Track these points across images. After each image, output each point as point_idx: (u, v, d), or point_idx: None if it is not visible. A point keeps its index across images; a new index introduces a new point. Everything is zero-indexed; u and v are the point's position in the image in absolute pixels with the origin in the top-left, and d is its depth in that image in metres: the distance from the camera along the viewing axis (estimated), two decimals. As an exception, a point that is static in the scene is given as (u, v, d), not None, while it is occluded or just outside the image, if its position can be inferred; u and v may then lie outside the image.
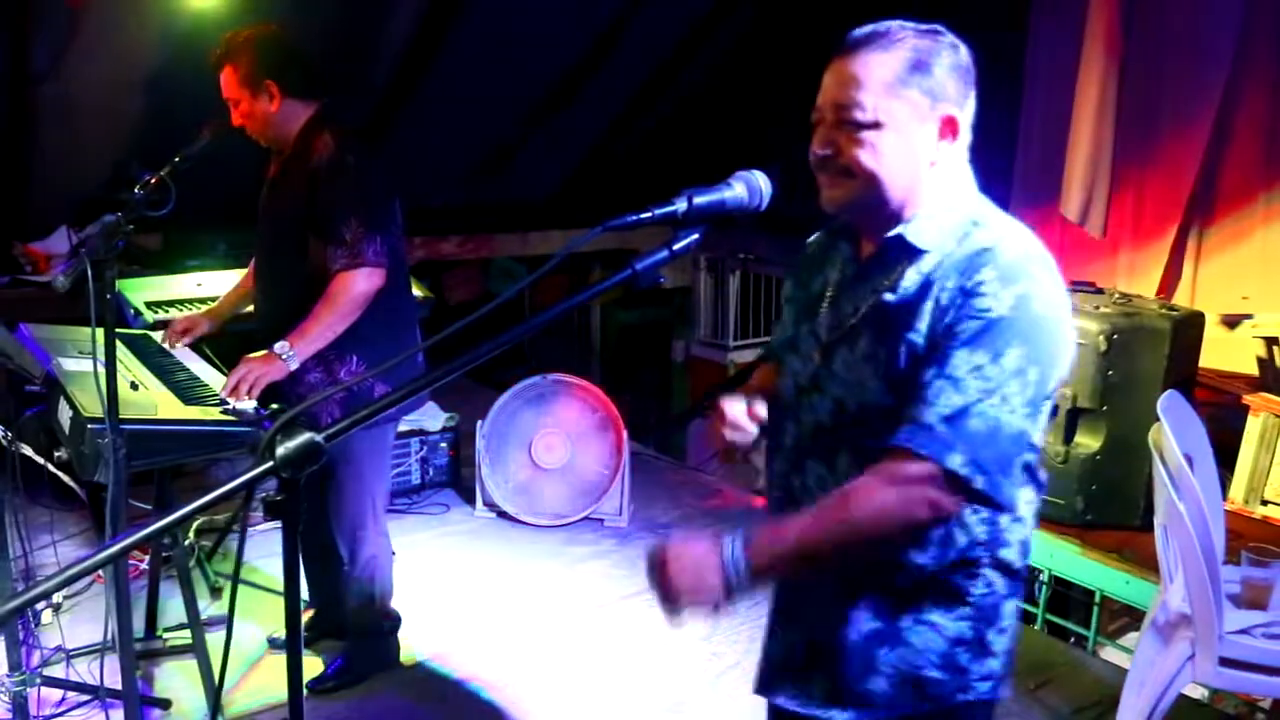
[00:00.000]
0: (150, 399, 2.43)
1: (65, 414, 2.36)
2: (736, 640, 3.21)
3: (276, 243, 2.75)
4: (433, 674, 3.11)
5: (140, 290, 3.75)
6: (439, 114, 5.61)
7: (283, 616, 1.22)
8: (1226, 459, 3.75)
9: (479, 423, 4.21)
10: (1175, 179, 4.94)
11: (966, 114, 1.46)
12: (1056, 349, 1.40)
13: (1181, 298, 4.90)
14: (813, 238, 1.70)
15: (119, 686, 2.37)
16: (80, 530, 3.77)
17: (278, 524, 1.14)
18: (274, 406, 2.52)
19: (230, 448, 2.41)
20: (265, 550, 3.61)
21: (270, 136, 2.71)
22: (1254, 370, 4.55)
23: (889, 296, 1.45)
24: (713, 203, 1.37)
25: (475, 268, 6.85)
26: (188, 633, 2.69)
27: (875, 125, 1.40)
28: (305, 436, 1.10)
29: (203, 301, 3.72)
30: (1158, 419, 2.62)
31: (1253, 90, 4.75)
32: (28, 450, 2.86)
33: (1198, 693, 3.13)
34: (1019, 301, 1.36)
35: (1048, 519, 3.71)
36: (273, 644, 3.14)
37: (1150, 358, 3.61)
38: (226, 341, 3.04)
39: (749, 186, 1.40)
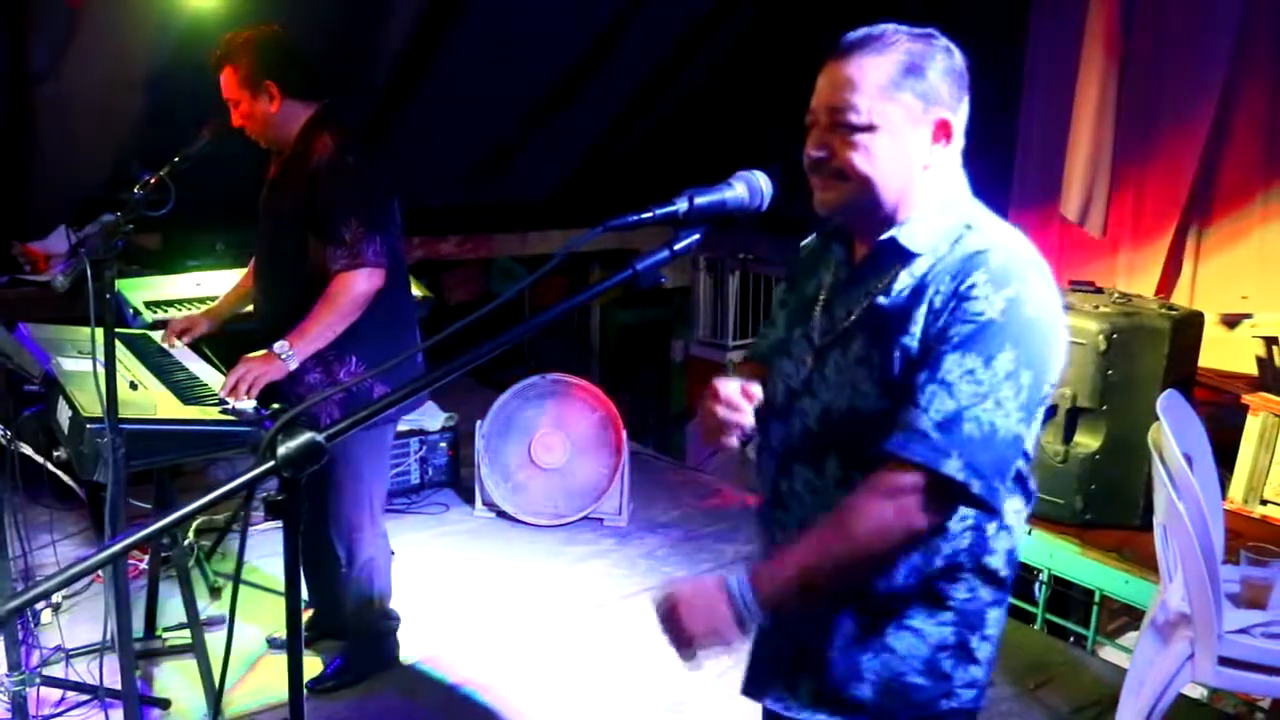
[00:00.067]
0: (149, 399, 2.43)
1: (64, 413, 2.36)
2: (736, 640, 3.20)
3: (276, 243, 2.75)
4: (432, 674, 3.11)
5: (139, 290, 3.75)
6: (439, 114, 5.61)
7: (282, 616, 1.22)
8: (1226, 458, 3.75)
9: (478, 422, 4.21)
10: (1174, 178, 4.94)
11: (960, 118, 1.46)
12: (1049, 352, 1.40)
13: (1181, 297, 4.91)
14: (806, 241, 1.70)
15: (118, 686, 2.37)
16: (79, 530, 3.77)
17: (277, 524, 1.14)
18: (274, 406, 2.52)
19: (229, 447, 2.42)
20: (265, 550, 3.61)
21: (270, 137, 2.71)
22: (1253, 370, 4.55)
23: (882, 300, 1.45)
24: (714, 203, 1.37)
25: (475, 268, 6.85)
26: (187, 633, 2.69)
27: (869, 128, 1.40)
28: (307, 436, 1.10)
29: (202, 301, 3.71)
30: (1157, 418, 2.62)
31: (1252, 90, 4.76)
32: (27, 450, 2.86)
33: (1197, 692, 3.13)
34: (1010, 305, 1.36)
35: (1047, 519, 3.71)
36: (272, 644, 3.14)
37: (1150, 357, 3.61)
38: (226, 341, 3.04)
39: (750, 186, 1.40)
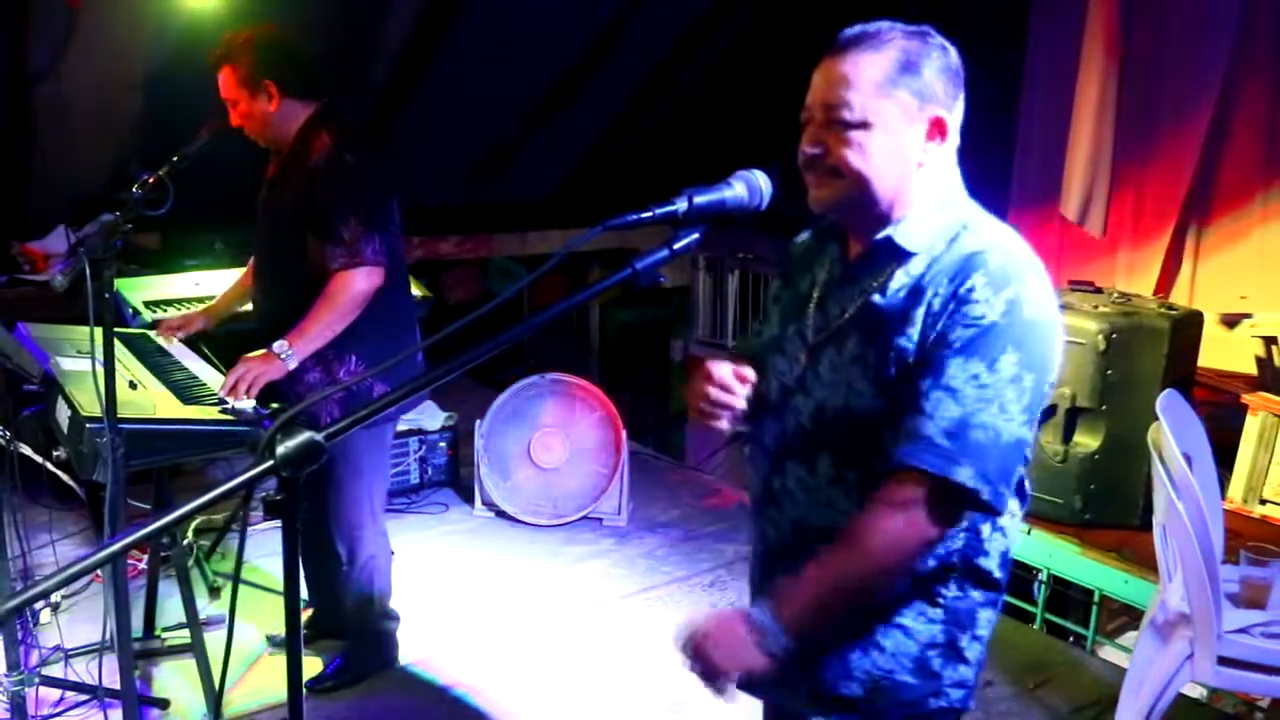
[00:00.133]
0: (149, 398, 2.43)
1: (63, 413, 2.36)
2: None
3: (275, 242, 2.75)
4: (431, 673, 3.11)
5: (138, 289, 3.74)
6: (439, 114, 5.61)
7: (281, 616, 1.22)
8: (1225, 458, 3.75)
9: (478, 422, 4.21)
10: (1174, 178, 4.94)
11: (955, 116, 1.45)
12: (1049, 354, 1.40)
13: (1180, 297, 4.91)
14: (799, 238, 1.69)
15: (117, 686, 2.37)
16: (79, 529, 3.76)
17: (276, 523, 1.14)
18: (273, 406, 2.52)
19: (228, 447, 2.41)
20: (264, 550, 3.61)
21: (269, 136, 2.71)
22: (1252, 369, 4.55)
23: (877, 298, 1.45)
24: (713, 202, 1.37)
25: (474, 267, 6.85)
26: (186, 632, 2.68)
27: (864, 125, 1.40)
28: (305, 435, 1.10)
29: (201, 301, 3.71)
30: (1157, 418, 2.62)
31: (1251, 89, 4.75)
32: (26, 449, 2.86)
33: (1196, 692, 3.13)
34: (1010, 306, 1.36)
35: (1046, 518, 3.71)
36: (272, 642, 3.14)
37: (1149, 357, 3.61)
38: (225, 341, 3.04)
39: (749, 186, 1.40)
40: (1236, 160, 4.84)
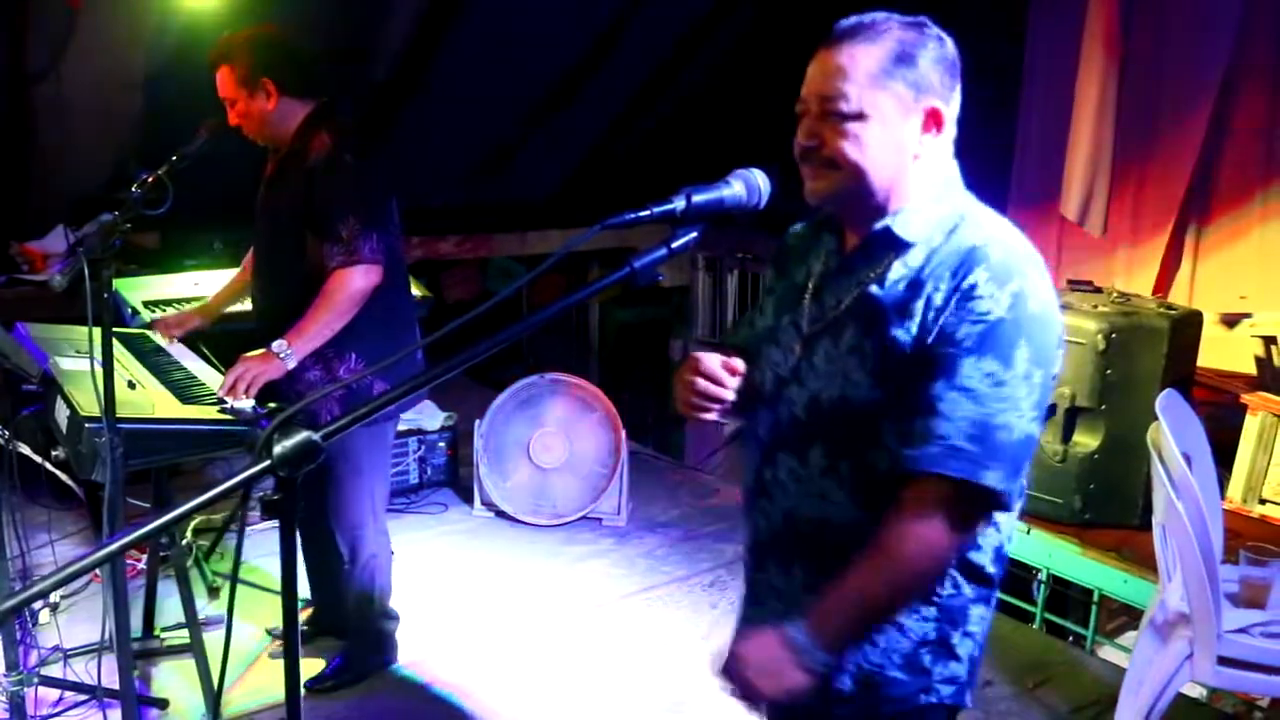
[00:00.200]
0: (148, 398, 2.43)
1: (62, 413, 2.36)
2: (735, 639, 3.20)
3: (274, 241, 2.75)
4: (431, 674, 3.11)
5: (137, 289, 3.74)
6: (439, 114, 5.61)
7: (280, 615, 1.21)
8: (1225, 458, 3.75)
9: (477, 422, 4.21)
10: (1173, 177, 4.94)
11: (952, 108, 1.45)
12: (1053, 347, 1.40)
13: (1179, 297, 4.90)
14: (794, 228, 1.68)
15: (116, 686, 2.37)
16: (78, 529, 3.76)
17: (275, 523, 1.14)
18: (271, 405, 2.52)
19: (228, 447, 2.41)
20: (264, 549, 3.60)
21: (267, 135, 2.71)
22: (1252, 369, 4.55)
23: (875, 289, 1.44)
24: (711, 201, 1.37)
25: (474, 267, 6.85)
26: (185, 632, 2.68)
27: (859, 116, 1.39)
28: (303, 435, 1.10)
29: (199, 300, 3.71)
30: (1156, 418, 2.62)
31: (1251, 89, 4.75)
32: (25, 449, 2.86)
33: (1196, 692, 3.13)
34: (1015, 301, 1.36)
35: (1046, 518, 3.71)
36: (273, 635, 3.14)
37: (1149, 357, 3.60)
38: (224, 341, 3.04)
39: (748, 185, 1.39)
40: (1236, 159, 4.83)
